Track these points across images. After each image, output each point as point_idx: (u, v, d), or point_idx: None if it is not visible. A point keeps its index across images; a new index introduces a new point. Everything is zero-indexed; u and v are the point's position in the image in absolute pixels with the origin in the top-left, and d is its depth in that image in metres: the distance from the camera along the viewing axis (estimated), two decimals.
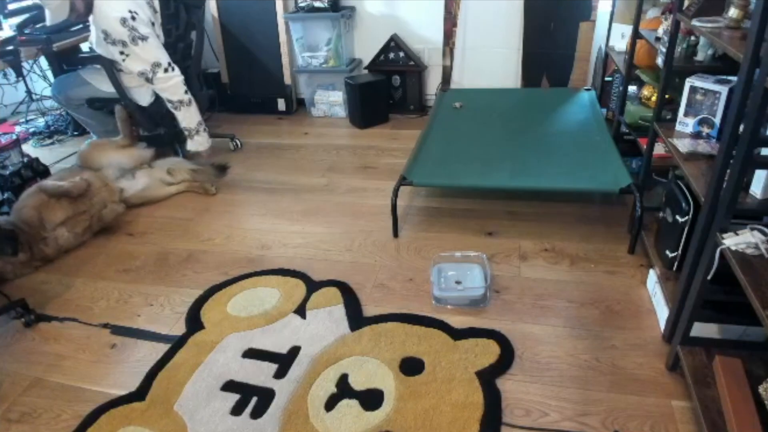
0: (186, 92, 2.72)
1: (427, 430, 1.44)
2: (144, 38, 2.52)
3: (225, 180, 3.03)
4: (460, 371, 1.62)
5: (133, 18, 2.48)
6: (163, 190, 2.82)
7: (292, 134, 3.65)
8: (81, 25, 3.15)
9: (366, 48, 3.78)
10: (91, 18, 2.54)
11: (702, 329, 1.55)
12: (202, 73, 3.21)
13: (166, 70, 2.63)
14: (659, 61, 2.08)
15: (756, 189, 1.43)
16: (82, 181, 2.44)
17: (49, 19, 2.55)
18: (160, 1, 2.64)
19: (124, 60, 2.56)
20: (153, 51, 2.58)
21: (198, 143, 2.86)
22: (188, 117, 2.77)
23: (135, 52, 2.54)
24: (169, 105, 2.74)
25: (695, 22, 1.63)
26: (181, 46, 2.86)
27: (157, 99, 2.83)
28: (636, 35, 2.42)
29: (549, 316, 1.85)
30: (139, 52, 2.54)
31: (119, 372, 1.72)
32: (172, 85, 2.67)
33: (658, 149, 2.14)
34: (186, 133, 2.82)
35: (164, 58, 2.62)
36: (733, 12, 1.50)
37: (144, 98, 2.83)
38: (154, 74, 2.61)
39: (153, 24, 2.61)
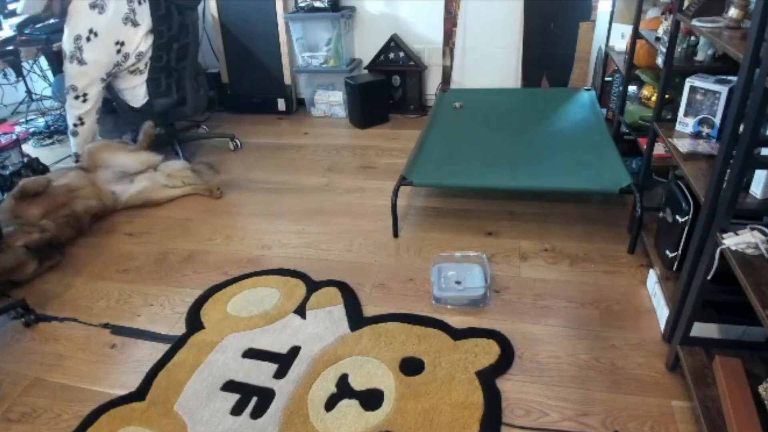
0: (75, 125, 2.81)
1: (427, 430, 1.44)
2: (82, 62, 2.62)
3: (225, 180, 3.03)
4: (460, 371, 1.62)
5: (88, 39, 2.56)
6: (163, 192, 2.79)
7: (292, 134, 3.65)
8: None
9: (366, 48, 3.79)
10: None
11: (702, 329, 1.55)
12: (203, 74, 3.21)
13: (76, 98, 2.73)
14: (659, 61, 2.08)
15: (756, 189, 1.43)
16: (42, 179, 2.49)
17: (21, 7, 2.64)
18: (151, 3, 2.64)
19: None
20: (79, 77, 2.67)
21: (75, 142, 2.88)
22: (70, 141, 2.89)
23: (65, 67, 2.65)
24: None
25: (695, 22, 1.63)
26: (175, 47, 2.86)
27: (149, 102, 2.85)
28: (636, 35, 2.42)
29: (549, 316, 1.85)
30: (68, 70, 2.65)
31: (119, 372, 1.72)
32: (69, 112, 2.79)
33: (658, 149, 2.14)
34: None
35: (84, 87, 2.70)
36: (733, 12, 1.50)
37: (137, 100, 2.84)
38: (67, 93, 2.72)
39: (123, 43, 2.65)
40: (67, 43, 2.58)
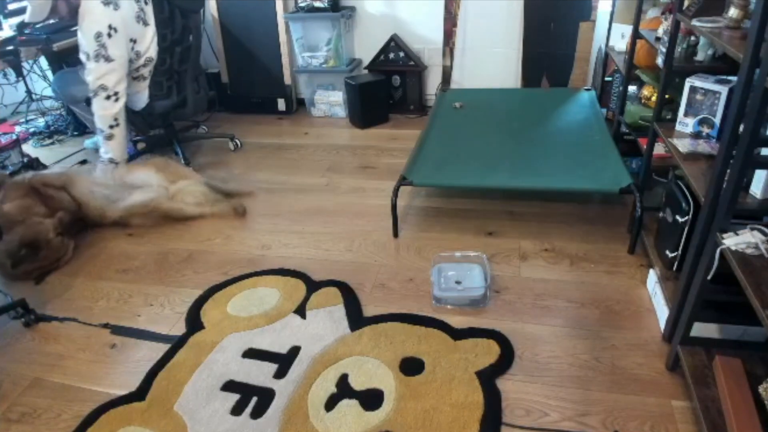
0: (111, 127, 2.67)
1: (427, 430, 1.44)
2: (108, 59, 2.52)
3: (225, 180, 3.03)
4: (460, 371, 1.62)
5: (109, 35, 2.48)
6: (174, 204, 2.58)
7: (292, 134, 3.65)
8: None
9: (366, 48, 3.78)
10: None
11: (702, 329, 1.55)
12: (203, 75, 3.21)
13: (108, 98, 2.60)
14: (659, 61, 2.08)
15: (756, 189, 1.43)
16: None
17: (29, 16, 2.56)
18: (154, 6, 2.63)
19: (84, 70, 2.59)
20: (108, 74, 2.57)
21: (101, 171, 2.73)
22: (102, 146, 2.73)
23: (92, 68, 2.54)
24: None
25: (695, 22, 1.63)
26: (178, 50, 2.86)
27: (150, 104, 2.84)
28: (636, 35, 2.42)
29: (549, 316, 1.85)
30: (96, 69, 2.54)
31: (119, 372, 1.72)
32: (102, 115, 2.64)
33: (658, 149, 2.14)
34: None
35: (114, 85, 2.60)
36: (733, 12, 1.50)
37: (137, 104, 2.84)
38: (95, 95, 2.59)
39: (135, 41, 2.60)
40: (87, 43, 2.49)
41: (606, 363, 1.64)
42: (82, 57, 2.54)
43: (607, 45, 3.07)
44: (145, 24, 2.62)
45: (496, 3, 3.40)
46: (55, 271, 2.27)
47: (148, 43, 2.66)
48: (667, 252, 1.80)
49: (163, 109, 2.94)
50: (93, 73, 2.55)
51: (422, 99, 3.82)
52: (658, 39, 2.11)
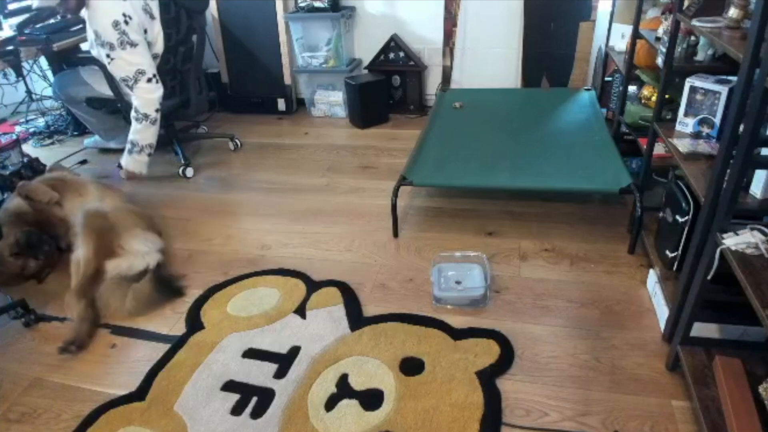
0: (157, 111, 2.60)
1: (427, 430, 1.44)
2: (133, 44, 2.48)
3: (224, 180, 3.03)
4: (460, 371, 1.62)
5: (126, 22, 2.45)
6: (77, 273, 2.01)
7: (292, 134, 3.65)
8: (81, 25, 3.15)
9: (366, 48, 3.78)
10: (86, 15, 2.53)
11: (702, 329, 1.55)
12: (203, 76, 3.21)
13: (149, 80, 2.55)
14: (659, 61, 2.08)
15: (756, 189, 1.43)
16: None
17: (38, 1, 2.52)
18: (161, 6, 2.63)
19: (109, 63, 2.52)
20: (140, 58, 2.52)
21: (133, 162, 2.70)
22: (142, 133, 2.63)
23: (121, 56, 2.48)
24: (132, 113, 2.62)
25: (695, 22, 1.63)
26: (181, 50, 2.86)
27: None
28: (636, 35, 2.42)
29: (549, 316, 1.85)
30: (126, 56, 2.48)
31: (119, 372, 1.72)
32: (149, 99, 2.57)
33: (658, 149, 2.14)
34: (128, 146, 2.66)
35: (150, 67, 2.56)
36: (733, 12, 1.51)
37: None
38: (136, 81, 2.52)
39: (146, 31, 2.57)
40: (107, 34, 2.43)
41: (606, 363, 1.64)
42: (104, 51, 2.47)
43: (607, 45, 3.07)
44: (152, 17, 2.61)
45: (496, 3, 3.40)
46: (15, 285, 2.14)
47: (156, 36, 2.64)
48: (667, 252, 1.80)
49: (167, 108, 2.93)
50: (124, 60, 2.48)
51: (422, 99, 3.82)
52: (658, 39, 2.11)
